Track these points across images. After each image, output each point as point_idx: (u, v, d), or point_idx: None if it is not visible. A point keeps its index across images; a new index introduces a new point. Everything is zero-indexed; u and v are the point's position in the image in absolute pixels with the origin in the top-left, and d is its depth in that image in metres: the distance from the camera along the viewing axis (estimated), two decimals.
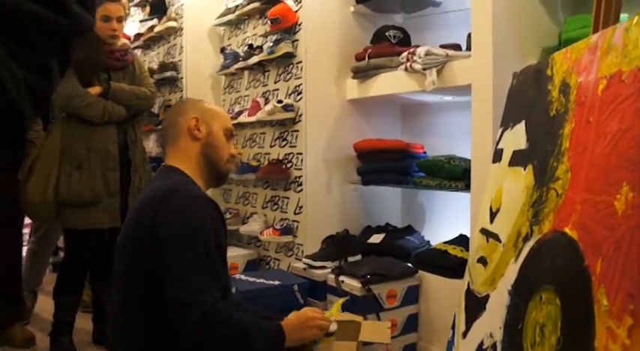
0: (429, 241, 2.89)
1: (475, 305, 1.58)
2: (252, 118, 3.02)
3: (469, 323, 1.60)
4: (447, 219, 2.92)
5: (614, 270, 0.88)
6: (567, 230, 1.08)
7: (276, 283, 2.51)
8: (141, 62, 2.97)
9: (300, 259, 2.77)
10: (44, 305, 3.11)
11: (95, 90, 2.58)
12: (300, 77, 2.85)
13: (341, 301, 1.67)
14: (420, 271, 2.49)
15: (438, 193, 2.88)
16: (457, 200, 2.67)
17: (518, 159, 1.49)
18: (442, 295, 2.39)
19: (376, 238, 2.82)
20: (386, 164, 2.77)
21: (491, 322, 1.41)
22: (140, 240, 1.43)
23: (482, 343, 1.45)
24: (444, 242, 2.54)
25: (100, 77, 2.65)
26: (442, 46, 2.38)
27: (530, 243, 1.26)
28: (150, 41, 4.26)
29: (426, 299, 2.45)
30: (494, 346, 1.36)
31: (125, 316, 1.48)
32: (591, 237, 0.99)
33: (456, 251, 2.43)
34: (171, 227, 1.40)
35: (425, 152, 2.85)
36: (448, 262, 2.39)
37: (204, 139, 1.61)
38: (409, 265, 2.54)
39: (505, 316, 1.32)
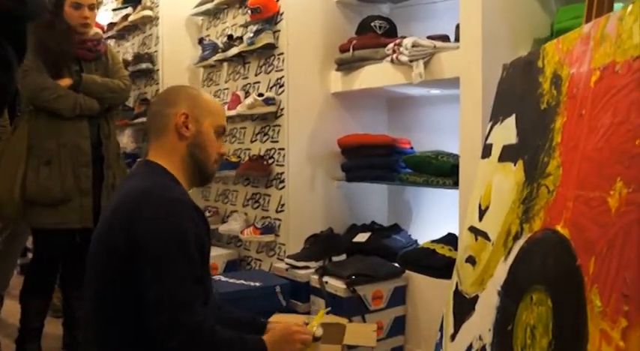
0: (416, 240, 2.89)
1: (464, 306, 1.57)
2: (232, 112, 2.99)
3: (457, 325, 1.60)
4: (434, 217, 2.92)
5: (608, 270, 0.88)
6: (559, 228, 1.07)
7: (258, 284, 2.49)
8: (114, 53, 2.92)
9: (282, 259, 2.75)
10: (11, 309, 3.05)
11: (65, 82, 2.53)
12: (281, 69, 2.83)
13: (322, 312, 1.64)
14: (407, 272, 2.49)
15: (425, 190, 2.88)
16: (445, 197, 2.67)
17: (508, 154, 1.48)
18: (430, 296, 2.38)
19: (361, 237, 2.81)
20: (371, 160, 2.77)
21: (481, 323, 1.40)
22: (115, 246, 1.37)
23: (471, 346, 1.45)
24: (432, 241, 2.54)
25: (70, 68, 2.59)
26: (430, 38, 2.37)
27: (521, 242, 1.26)
28: (124, 31, 4.21)
29: (414, 300, 2.44)
30: (483, 348, 1.36)
31: (98, 322, 1.45)
32: (584, 235, 0.98)
33: (444, 251, 2.42)
34: (150, 237, 1.34)
35: (412, 147, 2.85)
36: (436, 262, 2.38)
37: (192, 139, 1.52)
38: (396, 265, 2.53)
39: (495, 317, 1.32)
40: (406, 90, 2.75)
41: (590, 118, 1.04)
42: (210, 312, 1.47)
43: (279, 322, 1.66)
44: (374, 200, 3.15)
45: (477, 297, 1.49)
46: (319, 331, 1.60)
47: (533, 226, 1.20)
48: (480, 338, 1.38)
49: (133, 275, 1.34)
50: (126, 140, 4.23)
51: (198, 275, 1.37)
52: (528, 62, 1.48)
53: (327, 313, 1.65)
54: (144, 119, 3.68)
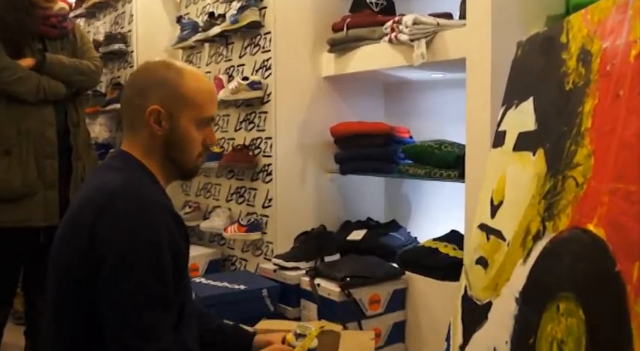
0: (415, 238, 2.80)
1: (474, 314, 1.48)
2: None
3: (467, 335, 1.51)
4: (435, 212, 2.83)
5: None
6: (591, 227, 0.98)
7: (242, 287, 2.40)
8: (83, 32, 2.81)
9: (269, 260, 2.66)
10: None
11: (27, 62, 2.41)
12: (268, 50, 2.72)
13: (314, 333, 1.53)
14: (406, 273, 2.39)
15: (425, 183, 2.79)
16: (448, 191, 2.58)
17: (526, 142, 1.39)
18: (432, 299, 2.29)
19: (357, 235, 2.72)
20: (367, 150, 2.67)
21: (495, 334, 1.31)
22: (78, 250, 1.25)
23: None
24: (434, 239, 2.45)
25: (33, 47, 2.48)
26: (432, 16, 2.27)
27: (543, 242, 1.16)
28: (94, 9, 4.09)
29: (414, 305, 2.35)
30: None
31: (58, 331, 1.34)
32: (624, 236, 0.88)
33: (447, 249, 2.33)
34: (115, 245, 1.21)
35: (411, 137, 2.76)
36: (439, 262, 2.29)
37: (166, 136, 1.37)
38: (394, 265, 2.44)
39: (512, 328, 1.22)
40: (405, 74, 2.65)
41: (630, 99, 0.94)
42: (187, 329, 1.35)
43: (268, 340, 1.55)
44: (370, 194, 3.06)
45: (490, 304, 1.40)
46: (313, 343, 1.51)
47: (559, 224, 1.11)
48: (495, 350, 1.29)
49: (96, 291, 1.22)
50: (98, 129, 4.10)
51: (169, 294, 1.24)
52: (548, 38, 1.38)
53: (321, 328, 1.54)
54: (117, 106, 3.57)
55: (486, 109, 2.00)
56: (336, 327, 2.08)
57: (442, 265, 2.28)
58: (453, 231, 2.45)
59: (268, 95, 2.72)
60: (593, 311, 0.93)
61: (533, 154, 1.32)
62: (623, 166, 0.94)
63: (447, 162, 2.30)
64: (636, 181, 0.89)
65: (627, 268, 0.85)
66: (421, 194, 2.95)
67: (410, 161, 2.51)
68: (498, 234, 1.43)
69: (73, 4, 4.09)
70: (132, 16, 3.63)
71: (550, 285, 1.09)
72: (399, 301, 2.36)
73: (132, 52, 3.63)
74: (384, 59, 2.44)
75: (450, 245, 2.36)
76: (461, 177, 2.19)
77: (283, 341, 1.57)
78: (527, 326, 1.15)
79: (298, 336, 1.49)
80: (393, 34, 2.31)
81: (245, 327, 1.72)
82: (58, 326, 1.33)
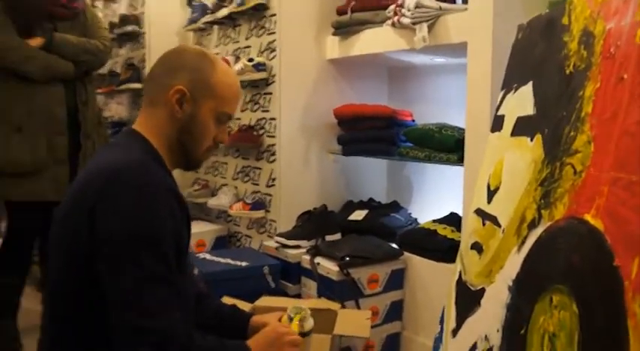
0: (416, 219, 2.71)
1: (467, 299, 1.39)
2: None
3: (460, 320, 1.42)
4: (437, 195, 2.73)
5: None
6: (589, 218, 0.88)
7: (245, 264, 2.32)
8: (94, 12, 2.71)
9: (272, 237, 2.57)
10: None
11: (36, 41, 2.32)
12: (273, 32, 2.60)
13: (299, 316, 1.44)
14: (405, 253, 2.31)
15: (427, 165, 2.68)
16: (449, 174, 2.48)
17: (524, 127, 1.28)
18: (430, 280, 2.21)
19: (358, 215, 2.63)
20: (370, 133, 2.56)
21: (487, 322, 1.22)
22: (78, 230, 1.16)
23: (475, 346, 1.27)
24: (433, 221, 2.37)
25: (43, 27, 2.39)
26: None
27: (538, 231, 1.07)
28: None
29: (412, 285, 2.27)
30: (490, 350, 1.18)
31: (56, 312, 1.26)
32: (623, 228, 0.79)
33: (446, 231, 2.25)
34: (116, 226, 1.13)
35: (413, 120, 2.65)
36: (437, 244, 2.21)
37: (184, 121, 1.28)
38: (394, 246, 2.35)
39: (504, 316, 1.13)
40: (408, 58, 2.54)
41: (634, 83, 0.84)
42: (188, 313, 1.27)
43: (264, 322, 1.46)
44: (372, 175, 2.96)
45: (483, 290, 1.31)
46: (309, 325, 1.42)
47: (555, 213, 1.01)
48: (487, 338, 1.20)
49: (97, 273, 1.13)
50: (115, 108, 4.01)
51: (171, 273, 1.15)
52: (550, 20, 1.27)
53: (303, 317, 1.43)
54: (131, 85, 3.48)
55: (486, 93, 1.89)
56: (334, 305, 2.00)
57: (440, 247, 2.19)
58: (452, 213, 2.36)
59: (273, 77, 2.61)
60: (587, 306, 0.83)
61: (531, 140, 1.22)
62: (624, 155, 0.84)
63: (446, 145, 2.20)
64: (638, 171, 0.79)
65: (626, 263, 0.76)
66: (423, 176, 2.85)
67: (411, 144, 2.40)
68: (494, 220, 1.34)
69: None
70: None
71: (544, 276, 1.00)
72: (397, 280, 2.27)
73: (144, 33, 3.51)
74: (386, 42, 2.33)
75: (449, 227, 2.27)
76: (460, 161, 2.09)
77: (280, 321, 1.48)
78: (519, 316, 1.06)
79: (291, 319, 1.40)
80: (395, 18, 2.19)
81: (242, 308, 1.64)
82: (57, 304, 1.25)
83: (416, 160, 2.35)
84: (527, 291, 1.05)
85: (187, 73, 1.27)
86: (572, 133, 1.01)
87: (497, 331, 1.15)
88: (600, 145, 0.91)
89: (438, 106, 2.66)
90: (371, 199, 2.85)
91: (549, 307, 0.95)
